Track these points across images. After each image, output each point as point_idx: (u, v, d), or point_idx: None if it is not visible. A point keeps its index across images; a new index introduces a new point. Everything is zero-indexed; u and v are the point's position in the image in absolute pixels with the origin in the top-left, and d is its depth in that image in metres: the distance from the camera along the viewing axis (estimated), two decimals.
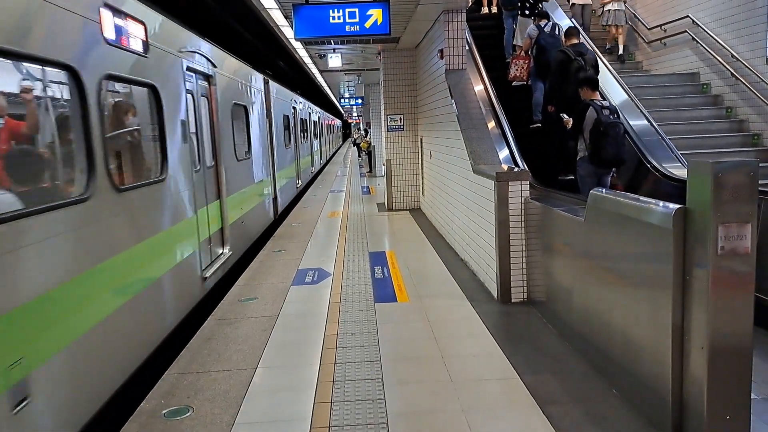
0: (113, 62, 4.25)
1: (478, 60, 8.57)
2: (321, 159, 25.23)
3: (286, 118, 13.69)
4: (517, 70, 8.55)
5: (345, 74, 17.63)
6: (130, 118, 4.71)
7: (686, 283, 2.98)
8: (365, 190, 16.00)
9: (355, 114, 41.97)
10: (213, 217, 6.75)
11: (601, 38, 11.33)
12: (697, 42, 9.52)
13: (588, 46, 7.80)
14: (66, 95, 3.65)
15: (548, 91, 7.72)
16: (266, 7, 8.17)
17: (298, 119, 16.81)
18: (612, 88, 7.62)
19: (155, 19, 5.18)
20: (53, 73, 3.49)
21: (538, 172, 6.94)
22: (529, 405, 3.62)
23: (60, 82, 3.57)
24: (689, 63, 9.88)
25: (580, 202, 4.87)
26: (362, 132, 35.15)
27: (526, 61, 8.47)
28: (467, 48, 8.41)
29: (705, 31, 9.30)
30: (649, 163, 6.45)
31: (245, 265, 7.66)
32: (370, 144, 21.17)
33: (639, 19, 11.16)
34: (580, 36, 7.77)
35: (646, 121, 7.08)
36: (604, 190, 4.07)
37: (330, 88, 24.62)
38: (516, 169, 5.91)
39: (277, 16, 8.76)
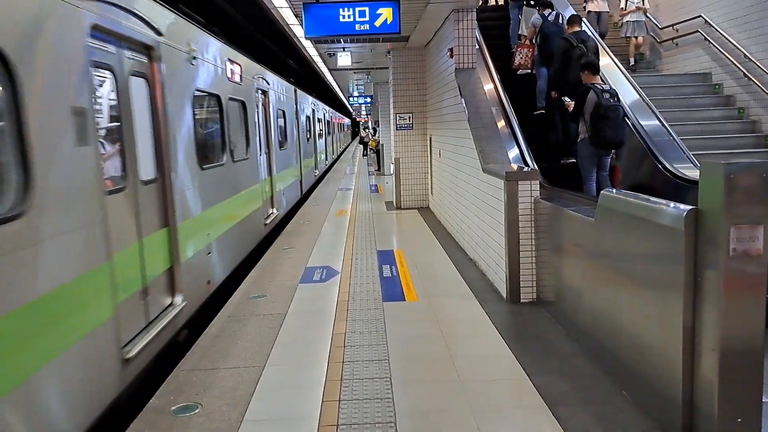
0: (230, 89, 7.29)
1: (488, 59, 8.54)
2: (333, 154, 28.47)
3: (308, 118, 16.29)
4: (521, 58, 8.72)
5: (354, 73, 17.65)
6: (235, 121, 7.61)
7: (697, 284, 2.96)
8: (373, 188, 16.01)
9: (363, 113, 41.98)
10: (267, 187, 9.68)
11: (621, 49, 10.64)
12: (710, 42, 9.44)
13: (588, 33, 7.95)
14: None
15: (551, 77, 7.83)
16: (276, 5, 8.18)
17: (316, 119, 19.86)
18: (623, 87, 7.57)
19: (245, 60, 8.37)
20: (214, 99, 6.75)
21: (541, 156, 7.20)
22: (538, 406, 3.61)
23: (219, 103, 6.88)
24: (701, 63, 9.81)
25: (590, 202, 4.84)
26: (371, 130, 35.16)
27: (531, 50, 8.64)
28: (477, 47, 8.39)
29: (717, 31, 9.23)
30: (660, 163, 6.41)
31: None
32: (379, 142, 21.16)
33: (651, 19, 11.08)
34: (582, 24, 7.93)
35: (657, 121, 7.03)
36: (614, 190, 4.04)
37: (339, 87, 24.65)
38: (526, 169, 5.89)
39: (287, 15, 8.77)
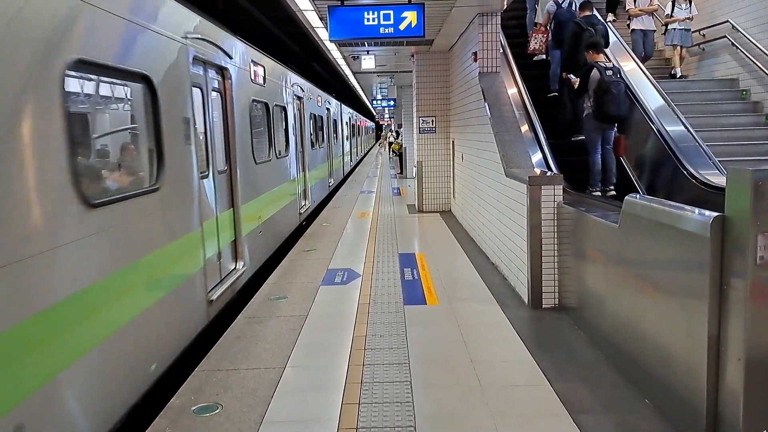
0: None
1: (512, 63, 8.51)
2: (358, 155, 31.61)
3: (334, 121, 17.89)
4: (536, 43, 9.19)
5: (378, 76, 17.68)
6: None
7: (723, 292, 2.91)
8: (396, 191, 16.01)
9: (386, 116, 42.04)
10: (301, 181, 11.05)
11: (663, 67, 10.41)
12: (737, 47, 9.27)
13: (599, 18, 8.31)
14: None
15: (563, 60, 8.26)
16: (302, 8, 8.23)
17: (347, 123, 23.78)
18: (648, 92, 7.49)
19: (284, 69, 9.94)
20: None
21: (552, 134, 7.60)
22: (559, 413, 3.58)
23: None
24: (728, 68, 9.63)
25: (614, 208, 4.79)
26: (393, 133, 35.22)
27: (545, 35, 9.06)
28: (501, 51, 8.35)
29: (745, 36, 9.06)
30: (686, 169, 6.31)
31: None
32: (402, 146, 21.17)
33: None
34: (593, 9, 8.30)
35: (683, 127, 6.93)
36: (638, 196, 4.00)
37: (363, 90, 24.72)
38: (549, 174, 5.84)
39: (312, 18, 8.82)
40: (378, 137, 62.13)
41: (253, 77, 7.48)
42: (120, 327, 3.62)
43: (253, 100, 7.42)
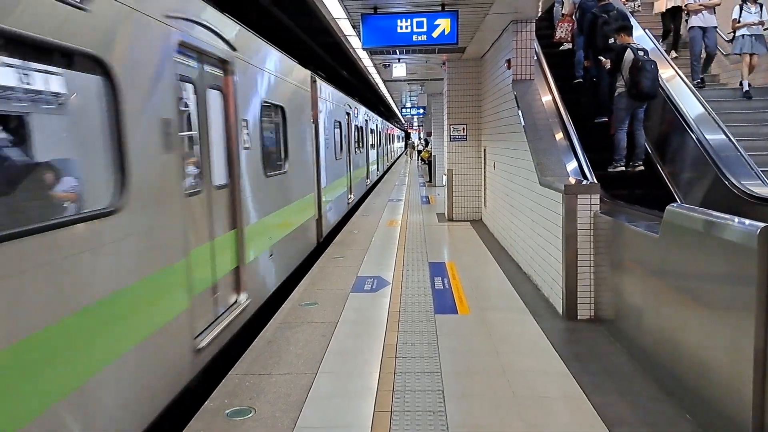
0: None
1: (546, 70, 8.43)
2: (387, 162, 32.01)
3: (375, 131, 20.24)
4: (562, 32, 9.53)
5: (408, 84, 17.70)
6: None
7: None
8: (424, 199, 15.96)
9: (415, 123, 42.05)
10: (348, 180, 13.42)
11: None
12: None
13: (614, 5, 8.51)
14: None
15: (584, 47, 8.77)
16: (335, 17, 8.28)
17: (380, 133, 25.70)
18: (688, 101, 7.34)
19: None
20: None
21: (577, 117, 7.83)
22: (596, 426, 3.49)
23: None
24: None
25: (654, 218, 4.68)
26: (422, 141, 35.22)
27: (571, 24, 9.44)
28: (535, 58, 8.28)
29: None
30: (727, 179, 6.15)
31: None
32: (431, 154, 21.13)
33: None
34: None
35: (723, 136, 6.76)
36: (675, 205, 3.90)
37: (392, 98, 24.77)
38: (585, 182, 5.75)
39: (345, 26, 8.87)
40: (407, 145, 62.14)
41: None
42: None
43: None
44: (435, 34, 7.32)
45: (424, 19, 7.33)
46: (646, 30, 8.98)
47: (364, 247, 9.05)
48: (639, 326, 4.38)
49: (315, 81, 9.61)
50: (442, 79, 12.91)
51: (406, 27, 7.40)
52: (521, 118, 7.38)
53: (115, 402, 3.13)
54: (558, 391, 4.02)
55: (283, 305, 6.08)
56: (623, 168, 7.27)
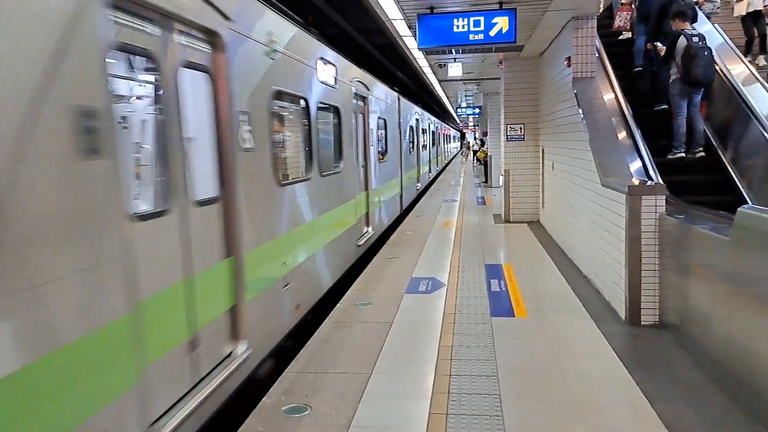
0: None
1: (608, 67, 8.18)
2: (444, 160, 33.25)
3: (431, 132, 21.23)
4: (621, 20, 9.54)
5: (464, 83, 17.55)
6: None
7: None
8: (480, 200, 15.78)
9: (471, 123, 41.71)
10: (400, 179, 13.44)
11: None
12: None
13: None
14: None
15: (650, 32, 8.59)
16: (390, 17, 8.28)
17: (436, 133, 27.12)
18: (758, 94, 7.02)
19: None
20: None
21: (633, 104, 7.86)
22: None
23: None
24: None
25: (723, 219, 4.47)
26: (478, 141, 34.92)
27: (630, 13, 9.42)
28: (597, 56, 8.05)
29: None
30: None
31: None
32: (487, 154, 20.89)
33: None
34: None
35: None
36: (747, 207, 3.70)
37: (447, 98, 24.63)
38: (650, 183, 5.54)
39: (401, 27, 8.85)
40: (462, 145, 61.73)
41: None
42: None
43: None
44: (492, 33, 7.23)
45: (481, 18, 7.24)
46: (717, 26, 8.61)
47: (418, 247, 9.00)
48: (707, 333, 4.18)
49: (399, 98, 13.39)
50: (499, 78, 12.74)
51: (463, 26, 7.33)
52: (582, 117, 7.18)
53: None
54: (620, 397, 3.88)
55: (337, 305, 6.11)
56: (683, 154, 7.19)
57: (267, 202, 4.72)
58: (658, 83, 8.07)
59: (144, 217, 3.06)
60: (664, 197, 5.10)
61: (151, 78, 3.35)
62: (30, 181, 2.18)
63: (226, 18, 3.98)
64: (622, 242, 5.31)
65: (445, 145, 39.04)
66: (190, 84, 3.62)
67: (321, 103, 6.53)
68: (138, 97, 3.41)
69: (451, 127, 49.91)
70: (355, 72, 8.51)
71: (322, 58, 6.53)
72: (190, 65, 3.61)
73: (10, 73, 2.12)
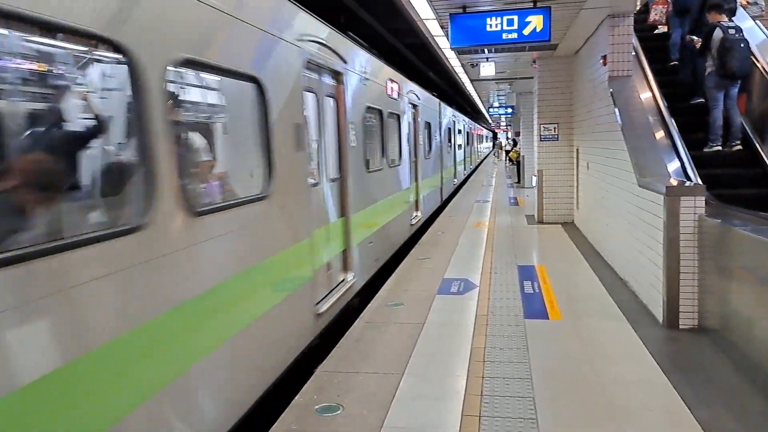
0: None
1: (645, 66, 8.02)
2: (477, 159, 34.61)
3: (465, 132, 22.00)
4: (656, 14, 9.49)
5: (496, 83, 17.41)
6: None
7: None
8: (513, 201, 15.64)
9: (503, 123, 41.38)
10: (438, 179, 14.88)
11: None
12: None
13: None
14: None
15: (691, 24, 8.63)
16: (423, 17, 8.26)
17: (469, 134, 28.99)
18: None
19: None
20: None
21: (672, 98, 7.86)
22: None
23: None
24: None
25: (764, 221, 4.34)
26: (510, 141, 34.64)
27: (666, 6, 9.36)
28: (633, 54, 7.89)
29: None
30: None
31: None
32: (520, 154, 20.69)
33: None
34: None
35: None
36: None
37: (479, 98, 24.47)
38: (688, 183, 5.41)
39: (433, 27, 8.83)
40: (494, 145, 61.27)
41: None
42: None
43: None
44: (526, 32, 7.14)
45: (515, 17, 7.16)
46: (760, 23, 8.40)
47: (450, 248, 8.96)
48: (749, 337, 4.07)
49: (440, 104, 15.51)
50: (532, 78, 12.60)
51: (496, 25, 7.26)
52: (618, 117, 7.05)
53: None
54: (658, 402, 3.79)
55: (369, 304, 6.12)
56: (719, 147, 7.13)
57: (361, 183, 6.82)
58: (696, 75, 8.02)
59: (315, 185, 5.24)
60: (703, 198, 4.97)
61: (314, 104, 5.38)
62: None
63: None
64: (659, 244, 5.19)
65: (478, 145, 39.00)
66: (329, 106, 5.90)
67: (390, 112, 8.70)
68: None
69: (483, 127, 49.58)
70: (410, 85, 10.72)
71: (390, 79, 8.77)
72: (330, 95, 5.89)
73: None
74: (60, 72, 2.56)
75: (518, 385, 4.07)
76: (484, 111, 32.47)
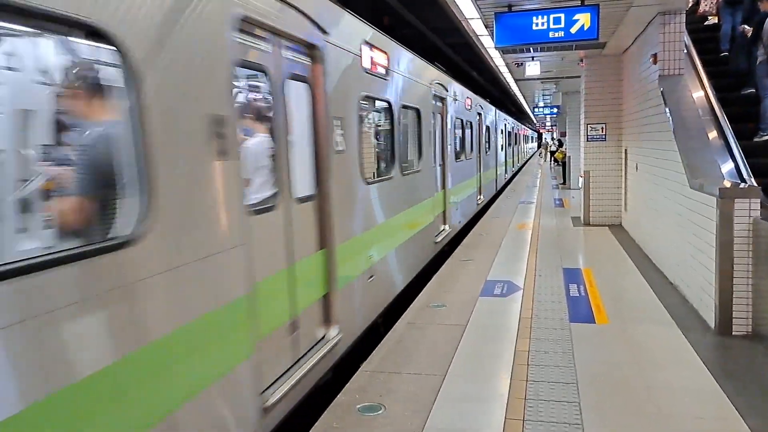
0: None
1: (697, 64, 7.77)
2: (514, 166, 31.64)
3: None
4: (706, 5, 9.55)
5: (541, 83, 17.17)
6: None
7: None
8: (558, 202, 15.38)
9: (548, 124, 40.77)
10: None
11: None
12: None
13: None
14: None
15: (744, 14, 8.71)
16: (467, 17, 8.21)
17: (517, 134, 31.88)
18: None
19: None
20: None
21: (721, 88, 7.80)
22: None
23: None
24: None
25: None
26: (555, 141, 34.13)
27: None
28: (685, 51, 7.66)
29: None
30: None
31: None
32: (565, 154, 20.34)
33: None
34: None
35: None
36: None
37: (524, 98, 24.17)
38: (743, 185, 5.22)
39: (477, 26, 8.76)
40: (539, 146, 60.45)
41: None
42: None
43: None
44: (573, 30, 7.03)
45: (562, 15, 7.05)
46: None
47: (493, 250, 8.87)
48: None
49: (496, 111, 17.43)
50: (579, 77, 12.37)
51: (542, 24, 7.17)
52: (668, 116, 6.86)
53: None
54: (709, 410, 3.68)
55: (411, 305, 6.11)
56: None
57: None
58: (749, 65, 8.04)
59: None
60: (758, 200, 4.79)
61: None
62: None
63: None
64: (712, 247, 5.03)
65: (523, 145, 38.75)
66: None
67: (466, 121, 11.31)
68: None
69: (528, 127, 48.95)
70: (479, 99, 12.68)
71: (468, 98, 10.67)
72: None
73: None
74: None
75: (563, 389, 4.01)
76: (528, 111, 32.06)
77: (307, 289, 4.05)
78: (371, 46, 5.53)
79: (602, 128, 10.87)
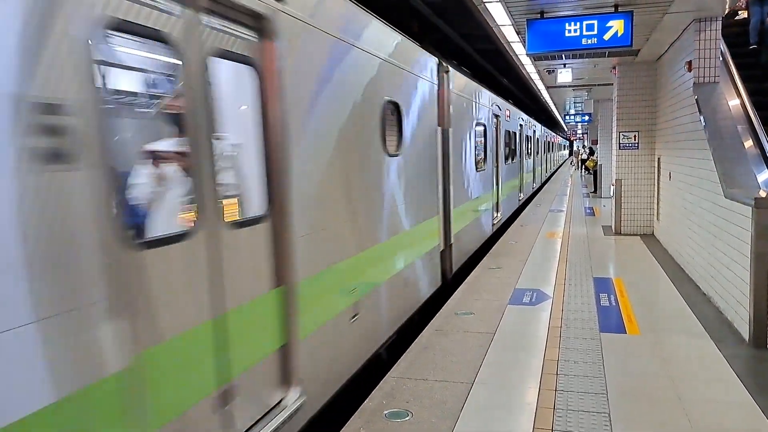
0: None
1: (733, 72, 7.63)
2: (553, 166, 35.45)
3: (546, 142, 23.91)
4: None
5: (573, 90, 17.02)
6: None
7: None
8: (588, 211, 15.19)
9: (579, 131, 40.33)
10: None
11: None
12: None
13: None
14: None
15: None
16: (498, 23, 8.19)
17: (550, 143, 32.77)
18: None
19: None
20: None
21: (750, 79, 7.86)
22: None
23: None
24: None
25: None
26: (586, 149, 33.76)
27: None
28: (721, 59, 7.53)
29: None
30: None
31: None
32: (596, 163, 20.09)
33: None
34: None
35: None
36: None
37: (555, 105, 23.97)
38: None
39: (509, 33, 8.74)
40: (570, 153, 59.80)
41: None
42: None
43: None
44: (606, 37, 6.96)
45: (595, 22, 7.00)
46: None
47: (522, 258, 8.81)
48: None
49: (535, 124, 19.02)
50: (611, 84, 12.23)
51: (575, 30, 7.12)
52: (703, 124, 6.74)
53: None
54: (743, 425, 3.61)
55: (439, 312, 6.10)
56: None
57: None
58: None
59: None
60: None
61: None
62: None
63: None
64: (746, 258, 4.93)
65: (555, 153, 38.75)
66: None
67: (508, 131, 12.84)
68: None
69: (559, 135, 48.49)
70: (522, 115, 14.54)
71: (520, 117, 12.78)
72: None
73: None
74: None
75: (593, 400, 3.96)
76: (559, 118, 31.79)
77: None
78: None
79: (635, 136, 10.72)
